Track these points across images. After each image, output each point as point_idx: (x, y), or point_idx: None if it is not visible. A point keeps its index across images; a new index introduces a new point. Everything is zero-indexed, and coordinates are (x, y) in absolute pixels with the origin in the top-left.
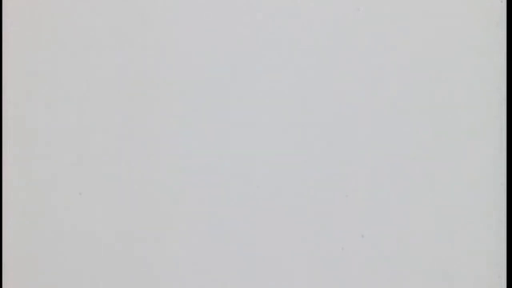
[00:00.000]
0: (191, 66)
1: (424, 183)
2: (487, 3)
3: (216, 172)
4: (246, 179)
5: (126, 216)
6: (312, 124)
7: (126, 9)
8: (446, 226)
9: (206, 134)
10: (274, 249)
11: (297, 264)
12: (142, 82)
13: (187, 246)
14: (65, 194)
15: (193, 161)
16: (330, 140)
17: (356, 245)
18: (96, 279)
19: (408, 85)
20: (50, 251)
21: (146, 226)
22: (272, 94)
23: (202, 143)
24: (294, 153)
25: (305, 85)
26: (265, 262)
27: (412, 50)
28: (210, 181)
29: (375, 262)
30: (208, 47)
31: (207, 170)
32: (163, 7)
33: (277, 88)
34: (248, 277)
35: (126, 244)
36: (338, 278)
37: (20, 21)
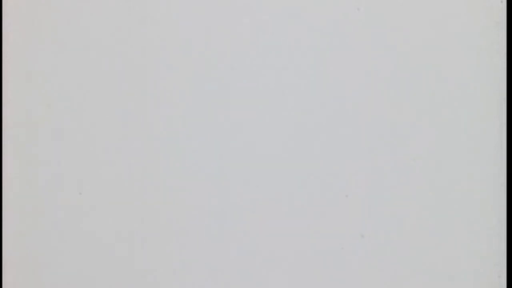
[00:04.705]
0: (191, 66)
1: (424, 183)
2: (487, 3)
3: (216, 172)
4: (246, 179)
5: (126, 216)
6: (312, 124)
7: (126, 9)
8: (446, 226)
9: (206, 134)
10: (273, 249)
11: (297, 263)
12: (142, 82)
13: (187, 246)
14: (65, 194)
15: (193, 161)
16: (330, 140)
17: (355, 245)
18: (96, 279)
19: (408, 85)
20: (50, 251)
21: (146, 226)
22: (272, 94)
23: (202, 143)
24: (294, 153)
25: (305, 85)
26: (265, 262)
27: (412, 50)
28: (210, 181)
29: (375, 262)
30: (208, 47)
31: (207, 170)
32: (163, 7)
33: (277, 88)
34: (248, 277)
35: (126, 244)
36: (337, 278)
37: (20, 21)
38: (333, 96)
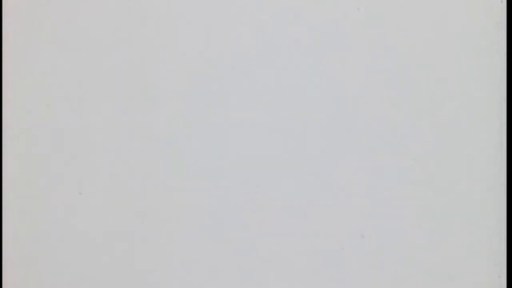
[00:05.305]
0: (191, 66)
1: (424, 183)
2: (487, 3)
3: (216, 172)
4: (246, 179)
5: (126, 216)
6: (312, 124)
7: (126, 9)
8: (446, 226)
9: (206, 134)
10: (274, 249)
11: (297, 264)
12: (142, 82)
13: (187, 246)
14: (65, 194)
15: (193, 161)
16: (330, 140)
17: (355, 245)
18: (95, 279)
19: (408, 85)
20: (50, 251)
21: (146, 226)
22: (272, 94)
23: (202, 143)
24: (294, 153)
25: (305, 85)
26: (265, 262)
27: (412, 50)
28: (210, 181)
29: (375, 262)
30: (208, 47)
31: (207, 170)
32: (164, 7)
33: (277, 88)
34: (248, 277)
35: (126, 244)
36: (337, 278)
37: (20, 21)
38: (333, 96)
